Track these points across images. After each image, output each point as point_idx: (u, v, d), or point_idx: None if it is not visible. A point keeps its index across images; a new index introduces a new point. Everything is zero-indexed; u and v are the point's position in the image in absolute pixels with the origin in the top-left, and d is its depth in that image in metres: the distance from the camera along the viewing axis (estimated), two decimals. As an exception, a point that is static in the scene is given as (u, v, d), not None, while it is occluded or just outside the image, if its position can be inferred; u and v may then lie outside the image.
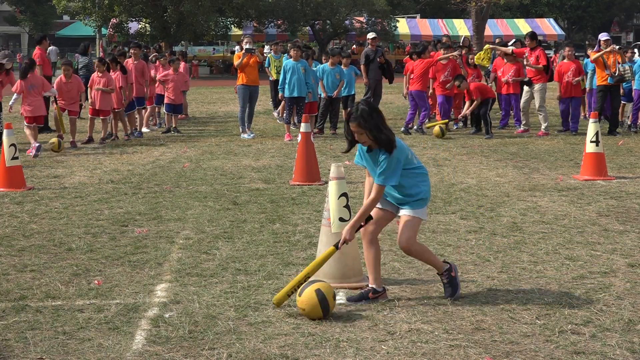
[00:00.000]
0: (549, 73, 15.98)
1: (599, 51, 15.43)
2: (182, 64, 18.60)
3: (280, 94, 15.99)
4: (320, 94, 15.67)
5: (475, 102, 15.08)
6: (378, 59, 18.11)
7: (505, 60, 16.34)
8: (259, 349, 4.69)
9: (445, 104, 16.02)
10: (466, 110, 15.59)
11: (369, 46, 17.84)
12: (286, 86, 15.00)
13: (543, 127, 15.31)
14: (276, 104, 20.01)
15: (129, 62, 15.72)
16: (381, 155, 5.37)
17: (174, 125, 16.37)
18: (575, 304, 5.46)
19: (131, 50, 16.28)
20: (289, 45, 17.67)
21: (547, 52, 53.00)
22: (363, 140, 5.40)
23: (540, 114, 15.36)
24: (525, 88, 15.53)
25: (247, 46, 15.30)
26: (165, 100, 16.47)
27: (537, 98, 15.29)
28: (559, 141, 14.49)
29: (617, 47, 15.73)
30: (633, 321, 5.12)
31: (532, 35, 15.77)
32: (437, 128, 15.00)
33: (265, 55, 20.18)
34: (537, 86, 15.30)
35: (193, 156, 12.93)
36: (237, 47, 15.92)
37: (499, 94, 16.64)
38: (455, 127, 16.59)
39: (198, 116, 20.27)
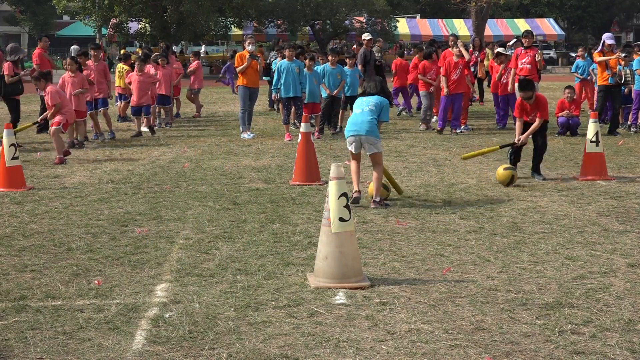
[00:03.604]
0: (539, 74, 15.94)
1: (602, 51, 15.39)
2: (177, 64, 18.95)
3: (274, 95, 16.06)
4: (322, 94, 15.64)
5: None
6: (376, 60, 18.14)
7: (496, 62, 16.29)
8: (259, 349, 4.69)
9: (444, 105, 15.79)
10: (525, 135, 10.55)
11: (364, 46, 17.87)
12: (281, 87, 15.02)
13: None
14: (271, 103, 20.21)
15: (90, 63, 15.35)
16: None
17: (144, 127, 15.99)
18: (575, 304, 5.46)
19: (91, 52, 15.56)
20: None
21: (546, 52, 52.70)
22: None
23: None
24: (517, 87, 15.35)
25: (250, 47, 15.26)
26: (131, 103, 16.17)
27: None
28: (559, 141, 14.49)
29: (624, 54, 15.66)
30: (633, 321, 5.12)
31: (532, 34, 15.70)
32: None
33: (265, 57, 20.22)
34: None
35: (193, 156, 12.92)
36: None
37: (495, 94, 16.58)
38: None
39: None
